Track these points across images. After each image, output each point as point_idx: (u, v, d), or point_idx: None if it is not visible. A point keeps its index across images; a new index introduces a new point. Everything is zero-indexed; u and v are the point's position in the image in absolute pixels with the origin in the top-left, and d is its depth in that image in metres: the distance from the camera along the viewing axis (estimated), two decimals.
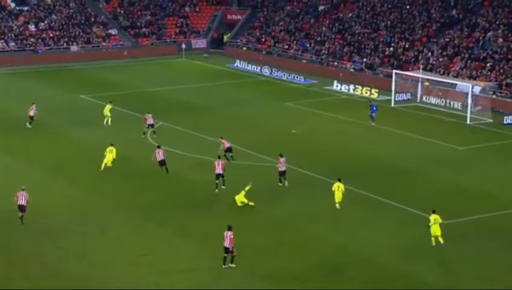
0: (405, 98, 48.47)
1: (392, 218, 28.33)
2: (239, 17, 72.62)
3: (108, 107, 41.72)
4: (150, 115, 40.12)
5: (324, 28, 64.06)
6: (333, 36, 62.31)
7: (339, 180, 29.14)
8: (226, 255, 24.01)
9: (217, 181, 30.94)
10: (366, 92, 50.94)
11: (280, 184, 31.48)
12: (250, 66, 61.28)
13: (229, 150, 34.78)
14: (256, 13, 72.02)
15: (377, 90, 50.46)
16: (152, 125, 39.83)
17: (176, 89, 52.55)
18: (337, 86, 53.00)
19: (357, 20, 62.69)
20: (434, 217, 25.63)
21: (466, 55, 52.22)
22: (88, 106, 47.34)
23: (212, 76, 58.24)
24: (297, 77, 56.70)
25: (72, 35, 66.88)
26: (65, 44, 65.75)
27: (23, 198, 27.31)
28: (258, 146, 36.93)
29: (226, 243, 23.93)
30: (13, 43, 64.32)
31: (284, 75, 57.54)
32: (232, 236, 23.89)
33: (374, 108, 42.66)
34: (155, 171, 33.53)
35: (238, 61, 62.85)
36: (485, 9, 56.27)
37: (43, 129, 40.44)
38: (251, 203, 28.95)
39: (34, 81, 55.37)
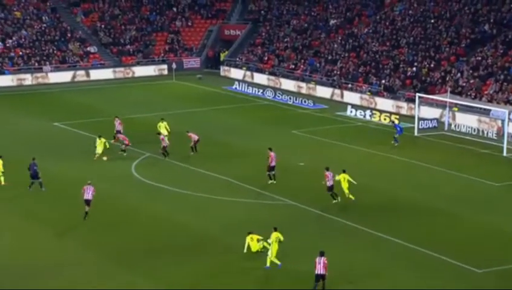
0: (430, 126, 48.70)
1: (419, 267, 28.22)
2: (238, 32, 73.41)
3: (163, 124, 44.26)
4: (118, 121, 42.71)
5: (335, 45, 64.66)
6: (347, 54, 62.85)
7: (344, 171, 34.00)
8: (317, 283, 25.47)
9: None
10: (385, 119, 51.24)
11: (334, 201, 34.22)
12: (250, 88, 61.73)
13: (196, 143, 41.88)
14: (258, 28, 72.81)
15: (397, 117, 50.77)
16: (119, 132, 43.03)
17: (165, 115, 52.73)
18: (351, 111, 53.35)
19: (375, 36, 63.30)
20: (276, 235, 27.47)
21: (502, 76, 52.63)
22: (63, 134, 47.64)
23: (207, 100, 58.65)
24: (305, 101, 57.09)
25: (45, 53, 67.58)
26: (36, 64, 66.40)
27: (90, 192, 32.07)
28: (258, 180, 36.97)
29: (319, 270, 25.44)
30: None
31: (290, 99, 57.96)
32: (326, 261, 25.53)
33: (398, 129, 45.25)
34: (142, 209, 33.61)
35: (236, 83, 63.35)
36: None
37: (10, 163, 40.53)
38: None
39: None
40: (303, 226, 32.06)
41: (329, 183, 34.05)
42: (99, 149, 41.02)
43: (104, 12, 73.73)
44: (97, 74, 66.83)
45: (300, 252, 28.74)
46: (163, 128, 44.01)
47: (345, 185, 34.13)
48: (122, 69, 68.32)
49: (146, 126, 48.41)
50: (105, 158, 40.73)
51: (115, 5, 74.55)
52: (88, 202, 32.17)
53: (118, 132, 43.95)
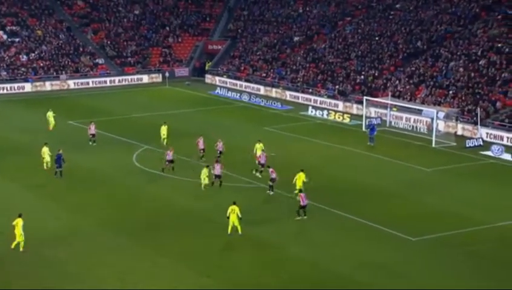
0: (375, 123, 48.97)
1: (365, 237, 28.50)
2: (219, 47, 73.13)
3: (164, 128, 41.88)
4: (93, 126, 41.57)
5: (299, 58, 64.71)
6: (308, 65, 62.95)
7: (302, 171, 32.38)
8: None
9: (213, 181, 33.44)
10: (339, 118, 51.44)
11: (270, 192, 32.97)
12: (230, 92, 61.63)
13: (93, 136, 41.04)
14: (235, 43, 72.59)
15: (349, 116, 50.98)
16: (93, 135, 41.49)
17: (159, 114, 52.56)
18: (312, 111, 53.47)
19: (330, 50, 63.47)
20: (231, 208, 27.55)
21: (431, 83, 53.07)
22: (76, 130, 47.23)
23: (194, 102, 58.38)
24: (274, 103, 57.09)
25: (61, 64, 66.73)
26: (54, 73, 65.57)
27: (170, 154, 35.59)
28: (238, 168, 36.94)
29: (303, 202, 28.82)
30: (5, 73, 64.02)
31: (262, 101, 57.90)
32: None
33: (373, 127, 43.77)
34: (141, 192, 33.47)
35: (218, 88, 63.18)
36: (447, 41, 57.35)
37: (28, 154, 40.00)
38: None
39: (22, 108, 55.15)
40: (273, 205, 32.09)
41: (273, 175, 32.80)
42: (47, 157, 36.55)
43: (110, 30, 73.01)
44: (104, 81, 66.27)
45: (271, 223, 28.83)
46: (164, 130, 41.85)
47: (299, 183, 31.84)
48: (124, 77, 67.78)
49: (145, 123, 48.17)
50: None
51: (119, 25, 73.88)
52: (170, 161, 35.36)
53: (92, 135, 41.81)
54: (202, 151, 38.65)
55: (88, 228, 29.17)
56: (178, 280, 24.42)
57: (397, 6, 64.83)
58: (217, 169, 33.63)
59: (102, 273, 24.92)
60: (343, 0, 69.90)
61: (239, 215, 27.69)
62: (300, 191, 30.45)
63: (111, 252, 26.64)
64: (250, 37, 72.21)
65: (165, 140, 41.78)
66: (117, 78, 67.21)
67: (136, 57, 70.89)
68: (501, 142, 43.54)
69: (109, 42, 71.66)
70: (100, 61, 69.05)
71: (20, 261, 25.76)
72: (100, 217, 30.48)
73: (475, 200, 33.26)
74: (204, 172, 33.36)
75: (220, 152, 38.14)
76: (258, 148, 37.98)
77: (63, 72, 65.99)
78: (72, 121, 49.96)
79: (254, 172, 35.78)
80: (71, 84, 64.81)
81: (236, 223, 27.71)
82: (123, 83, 67.14)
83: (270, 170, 33.32)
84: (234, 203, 28.03)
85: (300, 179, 32.02)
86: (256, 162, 36.30)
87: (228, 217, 27.79)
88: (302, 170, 32.44)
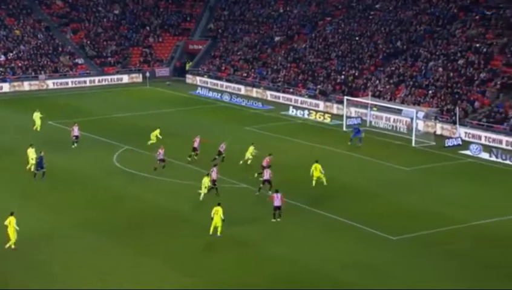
0: (355, 123, 49.38)
1: (346, 236, 28.82)
2: (200, 47, 73.10)
3: (156, 132, 41.31)
4: (76, 127, 41.19)
5: (280, 58, 64.98)
6: (288, 65, 63.24)
7: (317, 162, 33.97)
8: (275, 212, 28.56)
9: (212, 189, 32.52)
10: (319, 117, 51.79)
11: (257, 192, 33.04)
12: (211, 92, 61.68)
13: (76, 137, 40.92)
14: (216, 43, 72.63)
15: (329, 116, 51.33)
16: (76, 137, 41.08)
17: (140, 115, 52.50)
18: (292, 111, 53.74)
19: (311, 50, 63.84)
20: (215, 209, 27.70)
21: (411, 83, 53.65)
22: (56, 131, 46.94)
23: (175, 102, 58.33)
24: (255, 103, 57.28)
25: (40, 64, 66.21)
26: (33, 73, 65.02)
27: (162, 152, 35.93)
28: (221, 169, 36.95)
29: (277, 203, 28.49)
30: None
31: (243, 101, 58.06)
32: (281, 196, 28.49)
33: (357, 130, 43.74)
34: (123, 193, 33.42)
35: (199, 88, 63.20)
36: (426, 41, 58.04)
37: (9, 154, 39.79)
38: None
39: (0, 108, 54.67)
40: (257, 205, 32.22)
41: (265, 177, 32.93)
42: (32, 156, 36.05)
43: (89, 30, 72.59)
44: (83, 82, 65.88)
45: (254, 224, 29.03)
46: (154, 136, 41.42)
47: (316, 173, 33.85)
48: (104, 77, 67.43)
49: (126, 124, 48.04)
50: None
51: (99, 25, 73.49)
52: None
53: (75, 136, 41.72)
54: (194, 150, 38.59)
55: (69, 228, 29.09)
56: (162, 280, 24.48)
57: (377, 6, 65.43)
58: (213, 174, 32.59)
59: (84, 274, 24.89)
60: (323, 0, 70.33)
61: (222, 217, 27.82)
62: (276, 191, 30.44)
63: (93, 252, 26.61)
64: (231, 37, 72.31)
65: (151, 142, 41.48)
66: (96, 78, 66.85)
67: (116, 56, 70.57)
68: (479, 141, 44.23)
69: (88, 42, 71.25)
70: (80, 61, 68.62)
71: (1, 262, 25.60)
72: (81, 217, 30.41)
73: (454, 199, 33.76)
74: (205, 181, 32.08)
75: (219, 152, 38.14)
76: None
77: (42, 72, 65.48)
78: (52, 122, 49.64)
79: (256, 175, 35.17)
80: (50, 84, 64.32)
81: (219, 225, 27.85)
82: (103, 83, 66.81)
83: (266, 170, 33.25)
84: (218, 205, 28.15)
85: (317, 169, 33.79)
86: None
87: (212, 218, 27.93)
88: (317, 161, 34.31)
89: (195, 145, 38.70)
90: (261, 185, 33.20)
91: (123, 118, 51.51)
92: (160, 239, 27.97)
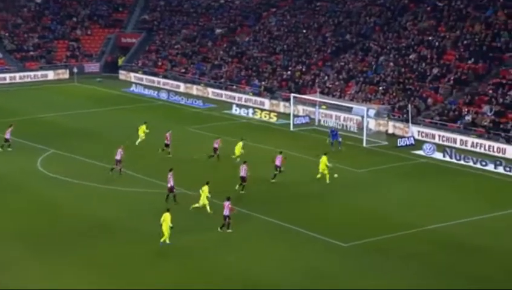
0: (303, 122, 49.98)
1: (295, 243, 29.15)
2: (134, 40, 72.45)
3: (143, 127, 42.14)
4: (9, 129, 40.74)
5: (221, 52, 65.08)
6: (231, 60, 63.41)
7: (325, 154, 35.74)
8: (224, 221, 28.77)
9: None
10: (265, 116, 52.17)
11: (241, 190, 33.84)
12: (146, 90, 61.19)
13: (7, 140, 40.07)
14: (152, 36, 72.12)
15: (276, 114, 51.77)
16: (7, 140, 40.49)
17: (67, 114, 51.62)
18: (236, 110, 53.94)
19: (254, 43, 64.19)
20: (165, 215, 27.85)
21: (361, 79, 54.64)
22: None
23: (107, 101, 57.63)
24: (196, 101, 57.19)
25: None
26: None
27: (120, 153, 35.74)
28: (157, 172, 36.68)
29: (225, 212, 28.71)
30: None
31: (182, 99, 57.89)
32: (230, 205, 28.70)
33: (335, 133, 43.73)
34: (50, 199, 32.82)
35: (134, 85, 62.62)
36: (376, 34, 59.28)
37: None
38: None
39: None
40: (204, 213, 32.19)
41: (242, 173, 34.06)
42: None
43: (7, 21, 70.87)
44: (3, 78, 64.19)
45: (201, 232, 29.05)
46: (141, 131, 42.01)
47: (322, 167, 35.53)
48: (26, 73, 65.96)
49: (51, 125, 47.10)
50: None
51: (18, 15, 71.83)
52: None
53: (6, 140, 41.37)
54: (167, 146, 40.09)
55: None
56: None
57: None
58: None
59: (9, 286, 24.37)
60: None
61: (171, 225, 27.75)
62: (228, 198, 30.46)
63: (16, 263, 26.07)
64: (168, 29, 71.95)
65: (140, 139, 42.11)
66: (17, 75, 65.42)
67: (39, 50, 69.13)
68: (432, 140, 45.49)
69: (7, 34, 69.51)
70: None
71: None
72: (3, 227, 29.70)
73: (407, 201, 34.65)
74: (205, 190, 31.37)
75: (215, 149, 39.46)
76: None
77: None
78: None
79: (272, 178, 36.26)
80: None
81: (166, 232, 27.73)
82: (25, 79, 65.41)
83: (242, 166, 34.28)
84: (167, 211, 28.10)
85: (323, 162, 35.23)
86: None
87: (161, 225, 27.81)
88: (325, 154, 36.00)
89: (167, 141, 40.19)
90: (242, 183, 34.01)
91: (49, 118, 50.50)
92: (97, 248, 27.62)
